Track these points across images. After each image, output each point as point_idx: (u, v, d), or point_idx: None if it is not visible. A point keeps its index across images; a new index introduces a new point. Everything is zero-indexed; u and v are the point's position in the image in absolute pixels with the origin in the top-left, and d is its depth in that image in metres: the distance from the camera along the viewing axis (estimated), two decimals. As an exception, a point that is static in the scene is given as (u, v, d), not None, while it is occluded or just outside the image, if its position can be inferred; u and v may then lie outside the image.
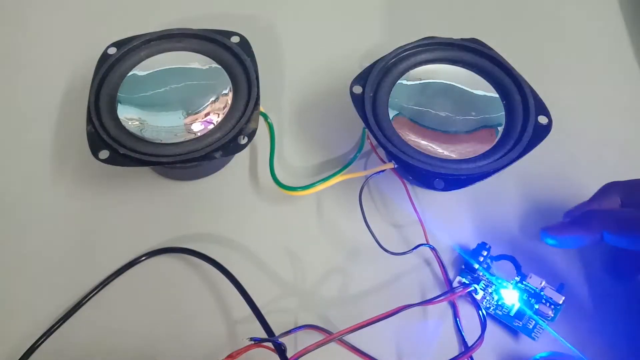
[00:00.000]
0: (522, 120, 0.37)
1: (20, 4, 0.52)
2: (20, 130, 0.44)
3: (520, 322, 0.35)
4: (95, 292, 0.37)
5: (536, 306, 0.35)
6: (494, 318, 0.36)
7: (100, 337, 0.36)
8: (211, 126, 0.38)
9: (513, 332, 0.36)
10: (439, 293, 0.36)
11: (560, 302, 0.35)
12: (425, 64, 0.40)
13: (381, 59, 0.40)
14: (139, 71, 0.40)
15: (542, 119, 0.37)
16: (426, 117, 0.38)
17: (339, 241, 0.39)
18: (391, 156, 0.37)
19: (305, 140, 0.44)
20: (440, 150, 0.37)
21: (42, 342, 0.35)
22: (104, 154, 0.36)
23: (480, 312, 0.34)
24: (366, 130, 0.39)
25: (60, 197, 0.41)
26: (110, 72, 0.40)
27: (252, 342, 0.31)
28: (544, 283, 0.36)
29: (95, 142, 0.36)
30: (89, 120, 0.37)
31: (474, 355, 0.33)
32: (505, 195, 0.41)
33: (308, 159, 0.43)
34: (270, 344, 0.31)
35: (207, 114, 0.38)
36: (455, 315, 0.36)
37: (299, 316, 0.36)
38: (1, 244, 0.39)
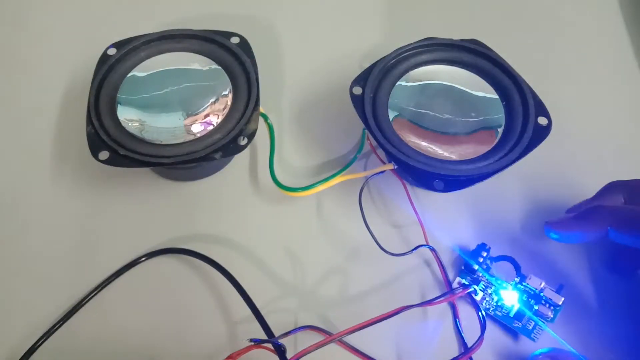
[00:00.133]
0: (522, 121, 0.37)
1: (20, 5, 0.52)
2: (20, 131, 0.44)
3: (520, 323, 0.35)
4: (95, 292, 0.37)
5: (536, 307, 0.35)
6: (494, 319, 0.36)
7: (100, 337, 0.36)
8: (211, 127, 0.38)
9: (513, 333, 0.36)
10: (438, 294, 0.36)
11: (560, 303, 0.35)
12: (425, 65, 0.40)
13: (381, 59, 0.40)
14: (138, 72, 0.40)
15: (542, 120, 0.37)
16: (426, 118, 0.38)
17: (338, 242, 0.39)
18: (391, 157, 0.37)
19: (305, 141, 0.44)
20: (440, 151, 0.37)
21: (42, 342, 0.35)
22: (104, 154, 0.36)
23: (479, 313, 0.34)
24: (366, 131, 0.39)
25: (61, 198, 0.41)
26: (110, 72, 0.40)
27: (252, 343, 0.31)
28: (543, 284, 0.36)
29: (95, 142, 0.36)
30: (89, 121, 0.37)
31: (474, 356, 0.33)
32: (505, 196, 0.41)
33: (308, 159, 0.43)
34: (270, 345, 0.31)
35: (207, 115, 0.38)
36: (455, 316, 0.36)
37: (298, 317, 0.36)
38: (1, 244, 0.39)
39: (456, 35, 0.41)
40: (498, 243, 0.38)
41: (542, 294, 0.35)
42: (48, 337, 0.35)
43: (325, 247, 0.39)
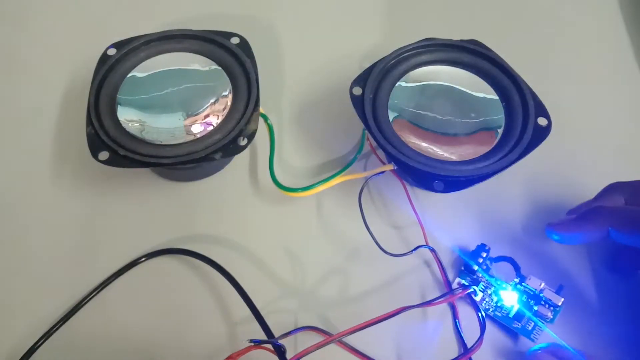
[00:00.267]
0: (522, 121, 0.37)
1: (21, 5, 0.52)
2: (20, 131, 0.44)
3: (520, 324, 0.35)
4: (95, 293, 0.37)
5: (535, 308, 0.35)
6: (493, 319, 0.36)
7: (100, 338, 0.36)
8: (211, 128, 0.38)
9: (512, 333, 0.36)
10: (438, 294, 0.36)
11: (560, 303, 0.35)
12: (425, 65, 0.40)
13: (381, 60, 0.40)
14: (139, 72, 0.40)
15: (542, 121, 0.37)
16: (426, 119, 0.38)
17: (338, 242, 0.39)
18: (391, 158, 0.37)
19: (305, 142, 0.44)
20: (440, 152, 0.37)
21: (43, 342, 0.35)
22: (104, 155, 0.36)
23: (479, 313, 0.34)
24: (366, 131, 0.39)
25: (61, 198, 0.41)
26: (110, 73, 0.40)
27: (252, 344, 0.31)
28: (543, 285, 0.36)
29: (95, 143, 0.36)
30: (89, 121, 0.37)
31: (474, 356, 0.33)
32: (505, 196, 0.41)
33: (308, 160, 0.43)
34: (270, 346, 0.31)
35: (207, 116, 0.38)
36: (455, 316, 0.36)
37: (298, 317, 0.36)
38: (1, 244, 0.39)
39: (456, 35, 0.41)
40: (498, 244, 0.38)
41: (541, 295, 0.35)
42: (48, 337, 0.35)
43: (325, 248, 0.39)
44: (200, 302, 0.37)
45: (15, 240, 0.39)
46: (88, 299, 0.37)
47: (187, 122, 0.38)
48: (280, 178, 0.39)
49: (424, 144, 0.37)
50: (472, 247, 0.38)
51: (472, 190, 0.36)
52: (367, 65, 0.40)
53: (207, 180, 0.42)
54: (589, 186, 0.38)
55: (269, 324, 0.34)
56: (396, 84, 0.39)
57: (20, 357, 0.35)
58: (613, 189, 0.36)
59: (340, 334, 0.31)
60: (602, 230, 0.33)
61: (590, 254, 0.38)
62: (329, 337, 0.31)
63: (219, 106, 0.39)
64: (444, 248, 0.38)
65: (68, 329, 0.36)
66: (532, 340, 0.35)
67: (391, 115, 0.38)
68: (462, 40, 0.41)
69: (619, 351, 0.35)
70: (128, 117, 0.38)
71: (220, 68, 0.40)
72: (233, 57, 0.41)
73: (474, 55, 0.40)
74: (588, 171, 0.42)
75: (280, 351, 0.31)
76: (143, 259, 0.38)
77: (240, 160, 0.43)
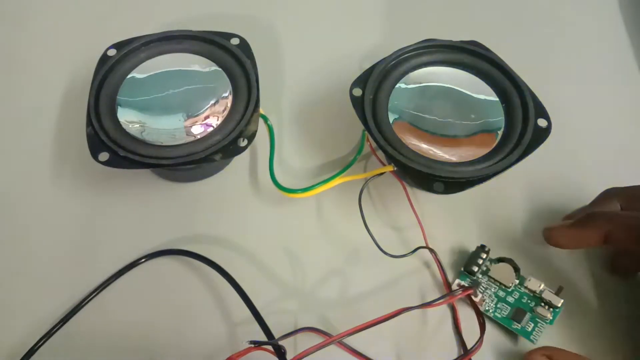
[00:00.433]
0: (522, 123, 0.37)
1: (21, 5, 0.52)
2: (20, 132, 0.44)
3: (519, 325, 0.35)
4: (95, 293, 0.37)
5: (535, 309, 0.35)
6: (493, 321, 0.36)
7: (100, 338, 0.36)
8: (211, 129, 0.38)
9: (512, 334, 0.36)
10: (438, 296, 0.36)
11: (559, 304, 0.35)
12: (425, 66, 0.40)
13: (381, 61, 0.40)
14: (139, 73, 0.40)
15: (542, 122, 0.37)
16: (426, 121, 0.38)
17: (338, 243, 0.39)
18: (391, 159, 0.37)
19: (305, 142, 0.44)
20: (440, 153, 0.37)
21: (43, 343, 0.35)
22: (104, 156, 0.36)
23: (479, 314, 0.34)
24: (366, 132, 0.39)
25: (60, 199, 0.41)
26: (110, 73, 0.40)
27: (252, 345, 0.31)
28: (542, 286, 0.36)
29: (95, 144, 0.36)
30: (89, 122, 0.37)
31: (473, 357, 0.33)
32: (505, 197, 0.41)
33: (308, 161, 0.43)
34: (270, 347, 0.31)
35: (207, 117, 0.38)
36: (455, 317, 0.36)
37: (298, 318, 0.36)
38: (1, 244, 0.39)
39: (456, 36, 0.41)
40: (498, 245, 0.39)
41: (541, 296, 0.35)
42: (48, 337, 0.35)
43: (325, 249, 0.39)
44: (200, 303, 0.37)
45: (15, 241, 0.39)
46: (88, 299, 0.37)
47: (187, 123, 0.38)
48: (280, 179, 0.39)
49: (424, 146, 0.37)
50: (472, 248, 0.38)
51: (472, 191, 0.36)
52: (367, 66, 0.40)
53: (207, 181, 0.42)
54: (589, 187, 0.38)
55: (268, 325, 0.34)
56: (396, 85, 0.39)
57: (20, 357, 0.34)
58: (609, 194, 0.36)
59: (340, 335, 0.31)
60: (599, 236, 0.33)
61: (590, 255, 0.38)
62: (329, 338, 0.31)
63: (219, 107, 0.39)
64: (443, 249, 0.38)
65: (68, 330, 0.36)
66: (532, 342, 0.35)
67: (391, 117, 0.38)
68: (462, 41, 0.41)
69: (619, 351, 0.35)
70: (128, 118, 0.38)
71: (220, 69, 0.40)
72: (233, 57, 0.41)
73: (474, 56, 0.40)
74: (588, 172, 0.42)
75: (280, 352, 0.31)
76: (143, 260, 0.38)
77: (240, 161, 0.43)
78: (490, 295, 0.36)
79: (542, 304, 0.35)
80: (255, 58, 0.41)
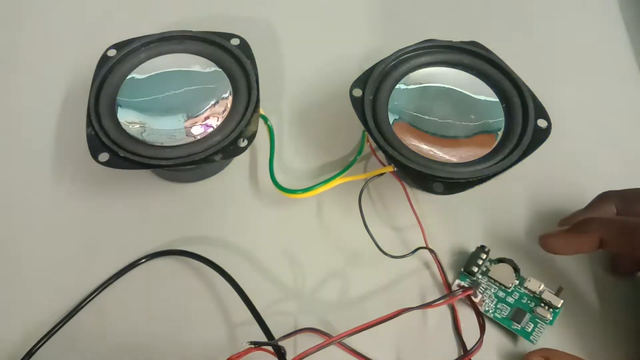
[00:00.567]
0: (522, 123, 0.37)
1: (20, 6, 0.52)
2: (20, 132, 0.44)
3: (519, 325, 0.35)
4: (95, 294, 0.37)
5: (535, 309, 0.35)
6: (493, 321, 0.36)
7: (99, 339, 0.36)
8: (211, 129, 0.38)
9: (512, 335, 0.36)
10: (438, 296, 0.36)
11: (559, 305, 0.35)
12: (425, 67, 0.40)
13: (381, 61, 0.40)
14: (139, 74, 0.40)
15: (542, 123, 0.37)
16: (426, 121, 0.38)
17: (338, 244, 0.39)
18: (390, 159, 0.37)
19: (305, 143, 0.44)
20: (440, 154, 0.37)
21: (43, 344, 0.35)
22: (104, 156, 0.36)
23: (479, 315, 0.34)
24: (366, 133, 0.39)
25: (60, 199, 0.41)
26: (110, 74, 0.40)
27: (252, 346, 0.31)
28: (542, 286, 0.36)
29: (95, 144, 0.36)
30: (89, 122, 0.37)
31: (473, 358, 0.33)
32: (505, 198, 0.41)
33: (308, 161, 0.43)
34: (270, 347, 0.31)
35: (207, 117, 0.38)
36: (455, 318, 0.36)
37: (298, 319, 0.36)
38: (1, 245, 0.39)
39: (456, 37, 0.41)
40: (497, 245, 0.39)
41: (541, 297, 0.35)
42: (48, 338, 0.35)
43: (325, 249, 0.39)
44: (200, 304, 0.37)
45: (16, 241, 0.39)
46: (88, 300, 0.37)
47: (187, 123, 0.38)
48: (280, 179, 0.39)
49: (424, 146, 0.37)
50: (472, 248, 0.38)
51: (471, 192, 0.36)
52: (367, 66, 0.40)
53: (207, 181, 0.42)
54: (589, 187, 0.38)
55: (268, 326, 0.34)
56: (396, 86, 0.39)
57: (20, 358, 0.34)
58: (604, 198, 0.36)
59: (341, 336, 0.31)
60: (594, 241, 0.33)
61: (590, 256, 0.38)
62: (329, 339, 0.31)
63: (219, 108, 0.39)
64: (443, 249, 0.38)
65: (68, 330, 0.36)
66: (532, 342, 0.35)
67: (391, 118, 0.38)
68: (462, 42, 0.41)
69: (619, 352, 0.35)
70: (128, 118, 0.38)
71: (220, 69, 0.40)
72: (233, 58, 0.41)
73: (474, 57, 0.40)
74: (588, 172, 0.42)
75: (280, 353, 0.31)
76: (143, 260, 0.38)
77: (240, 162, 0.43)
78: (490, 296, 0.36)
79: (542, 305, 0.35)
80: (255, 58, 0.41)
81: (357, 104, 0.38)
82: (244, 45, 0.41)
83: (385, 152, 0.36)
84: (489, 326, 0.35)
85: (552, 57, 0.49)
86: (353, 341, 0.33)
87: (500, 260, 0.37)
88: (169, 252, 0.38)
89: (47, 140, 0.44)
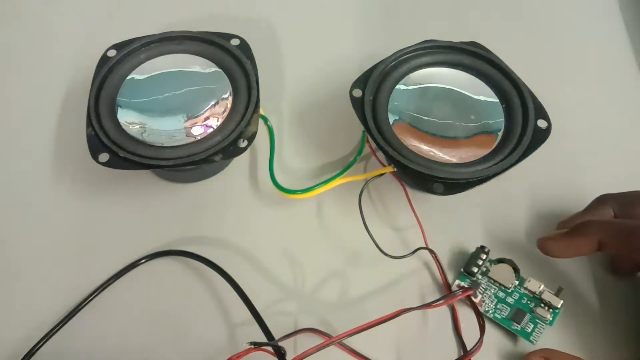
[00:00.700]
0: (522, 124, 0.37)
1: (20, 5, 0.52)
2: (21, 132, 0.44)
3: (519, 326, 0.35)
4: (94, 294, 0.37)
5: (535, 310, 0.35)
6: (493, 321, 0.36)
7: (99, 340, 0.36)
8: (211, 129, 0.38)
9: (512, 335, 0.36)
10: (438, 296, 0.36)
11: (559, 305, 0.35)
12: (425, 67, 0.40)
13: (381, 62, 0.40)
14: (139, 74, 0.40)
15: (542, 123, 0.37)
16: (426, 122, 0.38)
17: (338, 244, 0.39)
18: (390, 160, 0.37)
19: (305, 143, 0.44)
20: (440, 154, 0.37)
21: (42, 345, 0.35)
22: (104, 157, 0.36)
23: (479, 315, 0.35)
24: (366, 133, 0.39)
25: (60, 199, 0.41)
26: (110, 74, 0.40)
27: (252, 346, 0.31)
28: (542, 287, 0.36)
29: (95, 145, 0.36)
30: (89, 123, 0.37)
31: (473, 358, 0.33)
32: (505, 198, 0.41)
33: (308, 161, 0.43)
34: (270, 348, 0.31)
35: (207, 118, 0.38)
36: (455, 318, 0.36)
37: (298, 319, 0.36)
38: (1, 245, 0.39)
39: (456, 37, 0.41)
40: (497, 245, 0.39)
41: (541, 297, 0.35)
42: (48, 339, 0.35)
43: (325, 250, 0.39)
44: (200, 304, 0.37)
45: (16, 241, 0.39)
46: (88, 300, 0.37)
47: (188, 124, 0.38)
48: (280, 180, 0.39)
49: (424, 147, 0.37)
50: (472, 249, 0.38)
51: (471, 192, 0.36)
52: (367, 66, 0.40)
53: (207, 181, 0.42)
54: (589, 187, 0.38)
55: (268, 326, 0.34)
56: (396, 87, 0.39)
57: (20, 358, 0.34)
58: (602, 201, 0.36)
59: (341, 336, 0.31)
60: (592, 244, 0.33)
61: (589, 256, 0.38)
62: (329, 339, 0.31)
63: (219, 108, 0.39)
64: (443, 250, 0.38)
65: (68, 331, 0.36)
66: (532, 342, 0.35)
67: (391, 118, 0.38)
68: (462, 42, 0.41)
69: (618, 353, 0.35)
70: (128, 119, 0.38)
71: (220, 70, 0.40)
72: (233, 58, 0.41)
73: (474, 58, 0.40)
74: (588, 173, 0.42)
75: (280, 353, 0.31)
76: (143, 261, 0.38)
77: (240, 162, 0.43)
78: (490, 296, 0.36)
79: (542, 305, 0.35)
80: (255, 59, 0.41)
81: (357, 104, 0.38)
82: (244, 46, 0.41)
83: (385, 152, 0.36)
84: (488, 326, 0.35)
85: (552, 57, 0.49)
86: (353, 341, 0.33)
87: (500, 261, 0.37)
88: (169, 253, 0.38)
89: (47, 140, 0.44)
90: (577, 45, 0.50)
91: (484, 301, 0.36)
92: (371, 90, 0.39)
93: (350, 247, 0.39)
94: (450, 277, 0.38)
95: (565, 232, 0.35)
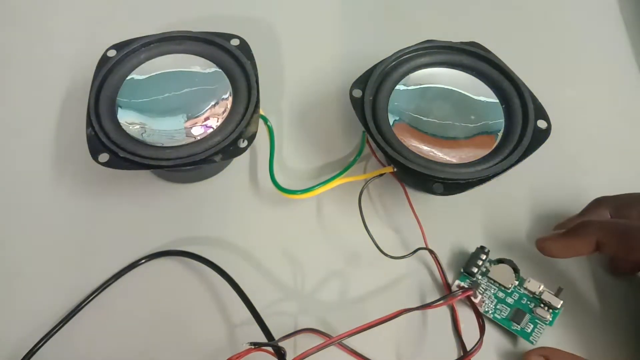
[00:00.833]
0: (522, 124, 0.37)
1: (21, 5, 0.52)
2: (21, 133, 0.44)
3: (519, 326, 0.35)
4: (94, 295, 0.37)
5: (534, 310, 0.35)
6: (493, 322, 0.36)
7: (99, 340, 0.36)
8: (211, 130, 0.38)
9: (511, 335, 0.36)
10: (438, 297, 0.36)
11: (559, 306, 0.35)
12: (425, 68, 0.40)
13: (381, 62, 0.40)
14: (139, 74, 0.40)
15: (542, 123, 0.37)
16: (426, 122, 0.38)
17: (338, 244, 0.39)
18: (390, 160, 0.37)
19: (305, 144, 0.44)
20: (440, 155, 0.37)
21: (42, 345, 0.35)
22: (104, 157, 0.36)
23: (479, 316, 0.35)
24: (366, 133, 0.39)
25: (60, 200, 0.41)
26: (110, 74, 0.40)
27: (252, 346, 0.31)
28: (542, 287, 0.36)
29: (95, 145, 0.36)
30: (89, 123, 0.37)
31: (473, 359, 0.33)
32: (505, 199, 0.41)
33: (308, 162, 0.43)
34: (270, 348, 0.31)
35: (207, 118, 0.38)
36: (454, 319, 0.36)
37: (298, 319, 0.36)
38: (1, 245, 0.39)
39: (456, 37, 0.41)
40: (497, 246, 0.39)
41: (540, 297, 0.35)
42: (48, 339, 0.35)
43: (325, 250, 0.39)
44: (200, 304, 0.37)
45: (16, 241, 0.39)
46: (88, 300, 0.37)
47: (188, 124, 0.38)
48: (280, 180, 0.39)
49: (424, 147, 0.37)
50: (472, 249, 0.38)
51: (471, 192, 0.36)
52: (367, 67, 0.40)
53: (207, 182, 0.42)
54: (588, 188, 0.38)
55: (268, 326, 0.34)
56: (396, 87, 0.39)
57: (20, 358, 0.34)
58: (598, 203, 0.36)
59: (341, 336, 0.31)
60: (590, 244, 0.33)
61: (589, 256, 0.38)
62: (329, 339, 0.31)
63: (219, 108, 0.39)
64: (443, 250, 0.38)
65: (68, 331, 0.36)
66: (531, 343, 0.35)
67: (391, 119, 0.38)
68: (462, 43, 0.41)
69: (618, 353, 0.35)
70: (128, 119, 0.38)
71: (220, 70, 0.40)
72: (233, 59, 0.41)
73: (473, 58, 0.40)
74: (588, 173, 0.42)
75: (280, 354, 0.31)
76: (143, 261, 0.38)
77: (240, 162, 0.43)
78: (489, 297, 0.36)
79: (542, 305, 0.35)
80: (255, 59, 0.41)
81: (357, 104, 0.38)
82: (244, 46, 0.41)
83: (385, 152, 0.36)
84: (488, 327, 0.35)
85: (552, 57, 0.49)
86: (353, 342, 0.33)
87: (500, 261, 0.37)
88: (169, 253, 0.38)
89: (47, 141, 0.44)
90: (577, 46, 0.50)
91: (483, 301, 0.36)
92: (371, 91, 0.39)
93: (350, 247, 0.39)
94: (450, 278, 0.38)
95: (563, 232, 0.35)
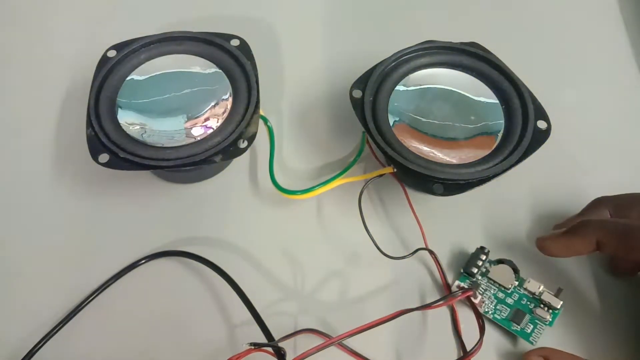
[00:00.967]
0: (522, 124, 0.37)
1: (21, 5, 0.52)
2: (21, 133, 0.44)
3: (519, 326, 0.35)
4: (94, 295, 0.37)
5: (534, 310, 0.35)
6: (493, 322, 0.36)
7: (99, 340, 0.36)
8: (211, 130, 0.38)
9: (511, 336, 0.36)
10: (438, 297, 0.36)
11: (558, 306, 0.35)
12: (424, 68, 0.40)
13: (381, 62, 0.40)
14: (139, 75, 0.40)
15: (542, 124, 0.37)
16: (426, 123, 0.38)
17: (338, 245, 0.39)
18: (390, 160, 0.37)
19: (305, 144, 0.44)
20: (440, 155, 0.37)
21: (42, 345, 0.35)
22: (104, 157, 0.36)
23: (478, 316, 0.35)
24: (366, 134, 0.39)
25: (61, 200, 0.41)
26: (110, 75, 0.40)
27: (252, 347, 0.31)
28: (542, 287, 0.36)
29: (95, 145, 0.36)
30: (89, 123, 0.37)
31: (473, 359, 0.33)
32: (505, 199, 0.41)
33: (308, 162, 0.43)
34: (270, 348, 0.32)
35: (207, 119, 0.38)
36: (454, 319, 0.36)
37: (298, 320, 0.36)
38: (1, 246, 0.39)
39: (456, 38, 0.41)
40: (497, 246, 0.39)
41: (540, 298, 0.35)
42: (48, 340, 0.35)
43: (325, 250, 0.39)
44: (200, 305, 0.37)
45: (15, 241, 0.39)
46: (88, 301, 0.37)
47: (188, 124, 0.38)
48: (280, 180, 0.39)
49: (424, 148, 0.37)
50: (472, 249, 0.38)
51: (471, 193, 0.36)
52: (367, 67, 0.40)
53: (207, 182, 0.42)
54: (588, 188, 0.38)
55: (268, 327, 0.34)
56: (396, 87, 0.39)
57: (20, 358, 0.34)
58: (598, 202, 0.36)
59: (340, 337, 0.31)
60: (590, 243, 0.33)
61: (589, 256, 0.38)
62: (329, 340, 0.31)
63: (219, 109, 0.39)
64: (443, 251, 0.38)
65: (68, 332, 0.36)
66: (531, 343, 0.35)
67: (391, 119, 0.38)
68: (462, 43, 0.41)
69: (618, 354, 0.35)
70: (128, 119, 0.38)
71: (220, 70, 0.40)
72: (233, 59, 0.41)
73: (473, 58, 0.40)
74: (587, 173, 0.42)
75: (280, 354, 0.31)
76: (143, 261, 0.38)
77: (240, 163, 0.43)
78: (489, 297, 0.36)
79: (542, 306, 0.36)
80: (255, 59, 0.41)
81: (357, 105, 0.38)
82: (244, 46, 0.41)
83: (385, 153, 0.36)
84: (488, 327, 0.35)
85: (552, 57, 0.49)
86: (353, 342, 0.33)
87: (499, 261, 0.37)
88: (169, 253, 0.38)
89: (47, 141, 0.44)
90: (577, 46, 0.50)
91: (483, 302, 0.36)
92: (371, 91, 0.39)
93: (350, 248, 0.39)
94: (450, 278, 0.38)
95: (563, 231, 0.35)
